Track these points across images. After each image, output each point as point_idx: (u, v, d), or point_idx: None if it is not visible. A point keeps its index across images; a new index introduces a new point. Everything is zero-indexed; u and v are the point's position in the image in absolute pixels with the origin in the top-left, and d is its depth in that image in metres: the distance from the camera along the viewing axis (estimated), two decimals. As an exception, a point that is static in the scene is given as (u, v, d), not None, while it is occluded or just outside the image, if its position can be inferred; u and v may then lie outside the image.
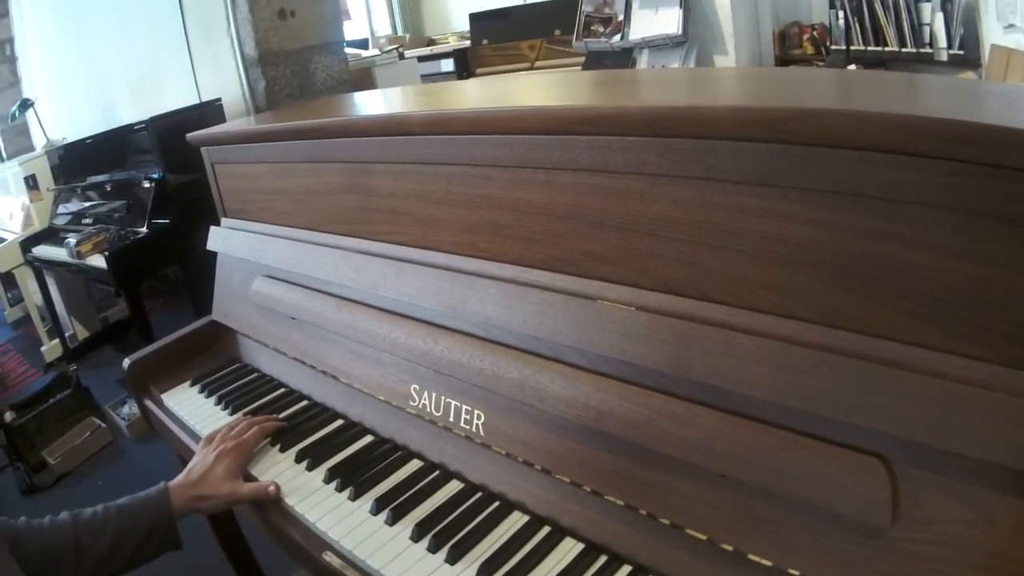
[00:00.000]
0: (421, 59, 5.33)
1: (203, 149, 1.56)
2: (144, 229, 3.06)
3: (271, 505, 1.09)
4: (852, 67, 3.53)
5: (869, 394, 0.68)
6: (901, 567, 0.68)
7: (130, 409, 3.01)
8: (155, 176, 3.10)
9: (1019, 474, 0.62)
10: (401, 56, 4.69)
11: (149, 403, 1.48)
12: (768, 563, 0.77)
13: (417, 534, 0.95)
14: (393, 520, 0.98)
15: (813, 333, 0.74)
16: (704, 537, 0.82)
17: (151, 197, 3.10)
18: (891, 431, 0.67)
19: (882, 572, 0.70)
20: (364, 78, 3.66)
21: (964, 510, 0.66)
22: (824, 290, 0.73)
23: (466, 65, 5.52)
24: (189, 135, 1.57)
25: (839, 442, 0.71)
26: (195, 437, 1.31)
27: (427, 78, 5.15)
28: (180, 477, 1.11)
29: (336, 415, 1.25)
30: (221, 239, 1.54)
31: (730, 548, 0.80)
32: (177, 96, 3.38)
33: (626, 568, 0.86)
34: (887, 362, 0.68)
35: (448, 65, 5.83)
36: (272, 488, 1.09)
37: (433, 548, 0.93)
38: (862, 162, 0.67)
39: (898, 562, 0.69)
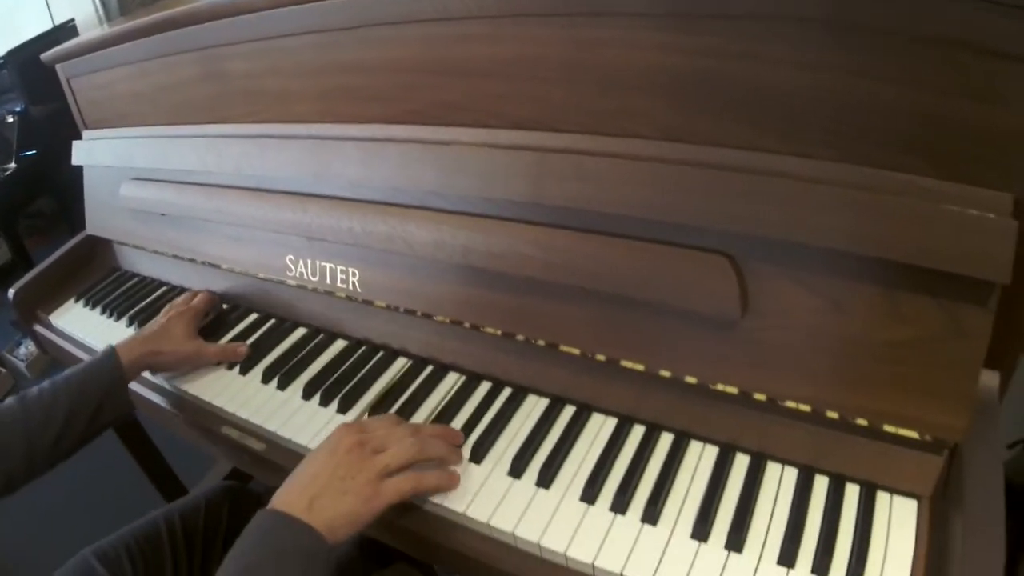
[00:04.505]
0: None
1: (58, 67, 1.49)
2: (12, 165, 2.92)
3: (171, 396, 1.10)
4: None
5: (713, 198, 0.71)
6: (759, 355, 0.73)
7: (27, 348, 2.92)
8: (17, 110, 2.94)
9: (862, 260, 0.66)
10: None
11: (40, 328, 1.45)
12: (640, 368, 0.81)
13: (307, 393, 0.98)
14: (283, 385, 1.01)
15: (657, 148, 0.77)
16: (577, 351, 0.86)
17: (16, 131, 2.95)
18: (735, 230, 0.71)
19: (741, 361, 0.74)
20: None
21: (812, 298, 0.70)
22: (667, 109, 0.76)
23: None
24: (43, 55, 1.49)
25: (688, 245, 0.75)
26: (90, 352, 1.29)
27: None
28: (128, 337, 1.06)
29: (220, 301, 1.26)
30: (85, 152, 1.48)
31: (603, 358, 0.84)
32: (34, 28, 3.18)
33: (507, 391, 0.91)
34: (728, 167, 0.71)
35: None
36: (244, 348, 1.09)
37: (324, 402, 0.96)
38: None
39: (756, 350, 0.73)
